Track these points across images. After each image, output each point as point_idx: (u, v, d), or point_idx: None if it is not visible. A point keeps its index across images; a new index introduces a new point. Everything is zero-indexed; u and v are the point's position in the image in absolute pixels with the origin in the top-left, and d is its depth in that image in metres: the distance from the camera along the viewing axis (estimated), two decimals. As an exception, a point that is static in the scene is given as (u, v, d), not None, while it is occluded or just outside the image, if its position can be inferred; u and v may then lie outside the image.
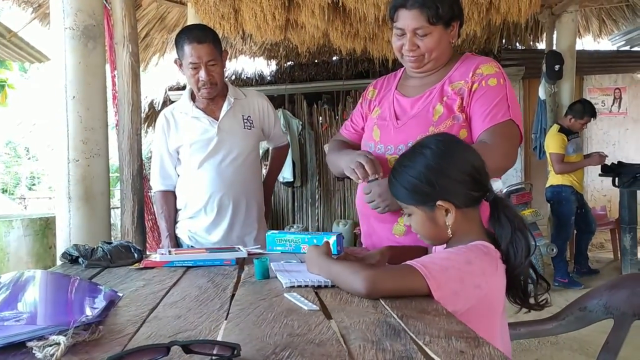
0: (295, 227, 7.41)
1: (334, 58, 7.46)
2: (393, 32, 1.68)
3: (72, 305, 1.15)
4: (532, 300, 1.27)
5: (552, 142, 5.00)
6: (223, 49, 2.23)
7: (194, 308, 1.13)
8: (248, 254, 1.69)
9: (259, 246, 1.96)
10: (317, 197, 7.58)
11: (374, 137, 1.75)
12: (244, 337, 0.92)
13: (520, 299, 1.27)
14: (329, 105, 7.53)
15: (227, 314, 1.08)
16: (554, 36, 5.95)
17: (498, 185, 1.28)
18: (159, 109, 7.78)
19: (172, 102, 7.92)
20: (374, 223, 1.74)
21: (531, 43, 7.28)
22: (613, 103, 7.45)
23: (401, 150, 1.63)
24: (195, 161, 2.24)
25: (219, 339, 0.92)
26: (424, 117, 1.64)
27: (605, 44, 7.03)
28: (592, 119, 5.10)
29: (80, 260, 1.65)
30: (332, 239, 1.73)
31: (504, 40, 7.14)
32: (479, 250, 1.20)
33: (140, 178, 2.96)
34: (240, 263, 1.64)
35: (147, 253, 1.79)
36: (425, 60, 1.67)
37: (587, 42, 7.13)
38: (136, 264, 1.65)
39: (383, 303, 1.11)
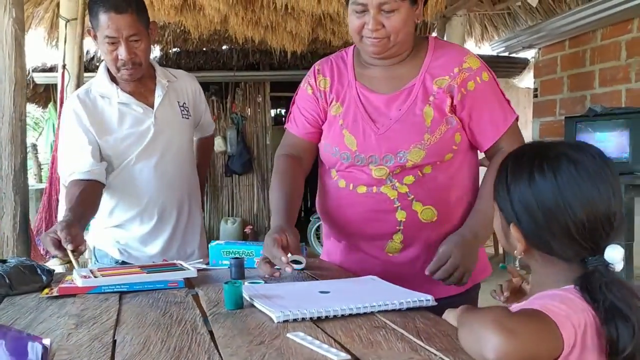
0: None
1: (224, 47, 7.06)
2: (350, 9, 1.39)
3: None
4: None
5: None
6: (150, 19, 1.80)
7: (173, 365, 0.82)
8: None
9: (201, 260, 1.63)
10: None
11: (348, 146, 1.44)
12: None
13: None
14: (217, 96, 7.13)
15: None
16: (444, 39, 6.12)
17: (614, 257, 0.89)
18: (21, 92, 6.85)
19: (37, 85, 7.04)
20: (358, 240, 1.49)
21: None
22: (490, 106, 7.86)
23: (389, 160, 1.39)
24: (125, 158, 1.80)
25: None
26: (412, 121, 1.39)
27: (486, 49, 7.40)
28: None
29: (-35, 287, 1.22)
30: (295, 252, 1.47)
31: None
32: (573, 292, 0.89)
33: (23, 173, 2.43)
34: (188, 284, 1.32)
35: (57, 272, 1.40)
36: (390, 43, 1.39)
37: (469, 47, 7.46)
38: (46, 290, 1.27)
39: (422, 343, 0.88)
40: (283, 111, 10.17)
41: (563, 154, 0.94)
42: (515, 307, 0.96)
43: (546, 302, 0.85)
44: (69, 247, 1.40)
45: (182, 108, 1.90)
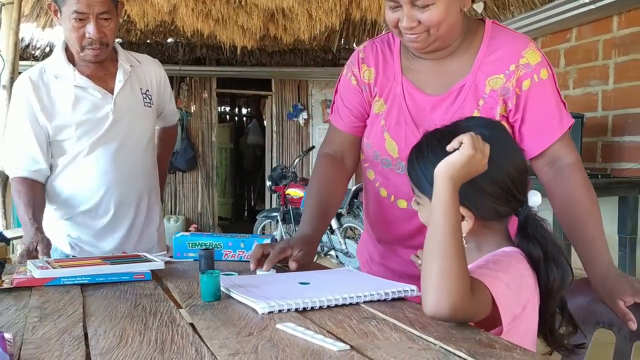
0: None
1: (170, 40, 6.85)
2: (385, 4, 1.26)
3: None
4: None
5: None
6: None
7: None
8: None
9: (165, 252, 1.55)
10: (144, 190, 6.92)
11: (389, 152, 1.35)
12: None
13: (546, 336, 1.06)
14: (161, 91, 6.90)
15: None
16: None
17: (536, 200, 1.05)
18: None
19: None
20: (397, 247, 1.42)
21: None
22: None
23: None
24: (80, 147, 1.69)
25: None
26: None
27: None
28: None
29: None
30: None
31: (342, 40, 7.24)
32: (518, 257, 1.00)
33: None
34: (155, 277, 1.24)
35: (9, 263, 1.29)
36: (430, 37, 1.24)
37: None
38: (-2, 282, 1.16)
39: (418, 333, 0.85)
40: (228, 109, 10.02)
41: (468, 125, 1.04)
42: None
43: (489, 272, 0.93)
44: (44, 259, 1.33)
45: (144, 95, 1.80)
